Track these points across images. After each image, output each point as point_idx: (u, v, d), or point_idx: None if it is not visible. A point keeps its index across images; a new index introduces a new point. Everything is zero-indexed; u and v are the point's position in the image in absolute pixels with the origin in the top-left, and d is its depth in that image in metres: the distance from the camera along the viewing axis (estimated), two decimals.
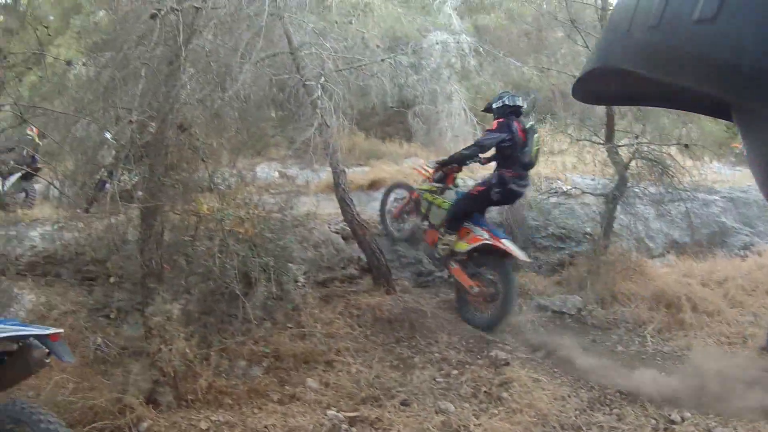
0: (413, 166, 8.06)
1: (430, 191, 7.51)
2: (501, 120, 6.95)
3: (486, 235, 6.85)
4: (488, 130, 7.09)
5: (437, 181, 7.53)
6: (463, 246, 7.00)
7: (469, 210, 7.09)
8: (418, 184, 7.96)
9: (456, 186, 7.65)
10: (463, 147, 7.56)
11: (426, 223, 7.54)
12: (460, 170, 7.67)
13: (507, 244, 6.77)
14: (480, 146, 7.04)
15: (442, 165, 7.49)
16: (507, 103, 7.05)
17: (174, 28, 4.83)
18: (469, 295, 7.00)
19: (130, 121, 4.36)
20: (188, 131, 4.91)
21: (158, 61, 4.90)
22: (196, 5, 4.88)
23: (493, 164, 7.20)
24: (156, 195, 5.02)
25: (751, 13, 0.44)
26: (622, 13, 0.58)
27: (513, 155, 6.88)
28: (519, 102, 7.11)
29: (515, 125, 6.92)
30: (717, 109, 0.63)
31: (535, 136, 7.02)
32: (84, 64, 7.27)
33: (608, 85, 0.67)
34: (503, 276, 6.79)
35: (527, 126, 7.08)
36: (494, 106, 7.16)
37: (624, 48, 0.58)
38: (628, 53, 0.57)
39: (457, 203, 7.14)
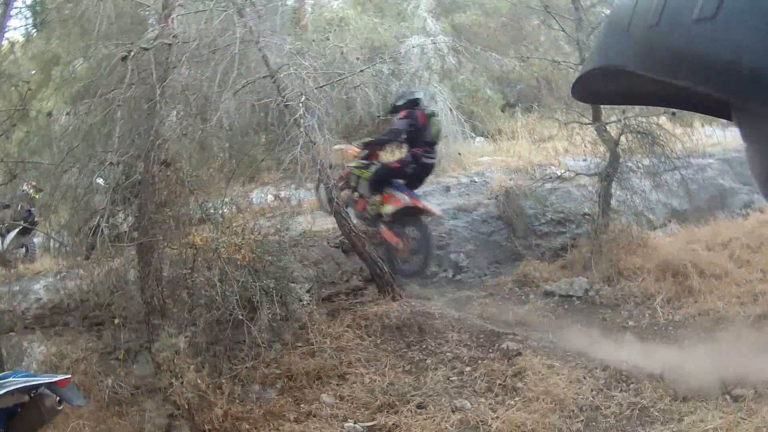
0: (343, 148, 8.39)
1: (358, 167, 8.40)
2: (405, 111, 8.16)
3: (407, 198, 7.84)
4: (398, 119, 8.23)
5: (363, 159, 8.38)
6: (389, 209, 7.91)
7: (388, 177, 8.14)
8: (348, 163, 8.67)
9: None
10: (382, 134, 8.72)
11: (356, 194, 8.39)
12: (382, 150, 8.86)
13: (424, 203, 7.98)
14: (394, 132, 8.24)
15: (366, 145, 8.42)
16: (408, 98, 8.32)
17: (147, 66, 4.87)
18: (396, 251, 7.97)
19: (111, 163, 4.40)
20: (173, 166, 4.94)
21: (135, 101, 4.94)
22: (166, 41, 4.92)
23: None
24: (149, 232, 5.04)
25: (750, 13, 0.44)
26: (622, 13, 0.59)
27: (419, 137, 8.08)
28: (417, 95, 8.50)
29: (417, 114, 8.13)
30: (716, 108, 0.65)
31: (434, 119, 8.34)
32: (67, 114, 7.32)
33: (608, 85, 0.69)
34: (423, 232, 7.90)
35: (427, 112, 8.30)
36: (398, 104, 8.39)
37: (623, 47, 0.59)
38: (628, 53, 0.58)
39: (378, 170, 8.22)
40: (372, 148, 8.42)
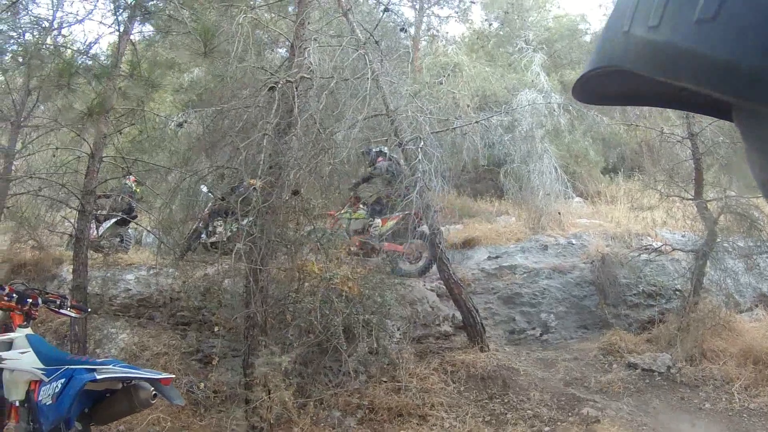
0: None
1: (346, 213, 9.20)
2: (382, 158, 9.11)
3: (398, 217, 8.64)
4: (380, 162, 9.09)
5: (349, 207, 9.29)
6: (389, 226, 8.78)
7: (381, 206, 9.06)
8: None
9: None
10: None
11: (351, 232, 9.10)
12: (359, 199, 9.56)
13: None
14: (378, 170, 9.07)
15: (357, 197, 9.43)
16: (379, 149, 9.13)
17: (285, 98, 5.07)
18: (403, 255, 8.61)
19: (255, 189, 4.59)
20: (300, 195, 5.13)
21: (272, 130, 5.15)
22: (305, 75, 5.13)
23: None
24: (263, 252, 5.22)
25: (752, 13, 0.45)
26: (622, 12, 0.59)
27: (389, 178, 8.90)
28: (384, 149, 9.15)
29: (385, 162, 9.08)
30: (718, 110, 0.64)
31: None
32: (185, 121, 7.59)
33: (609, 86, 0.67)
34: (423, 239, 8.27)
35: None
36: (375, 150, 9.21)
37: (624, 48, 0.58)
38: (629, 53, 0.58)
39: (375, 201, 9.24)
40: (354, 199, 9.41)
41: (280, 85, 4.97)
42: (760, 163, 0.54)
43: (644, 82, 0.59)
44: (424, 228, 8.25)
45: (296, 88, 5.46)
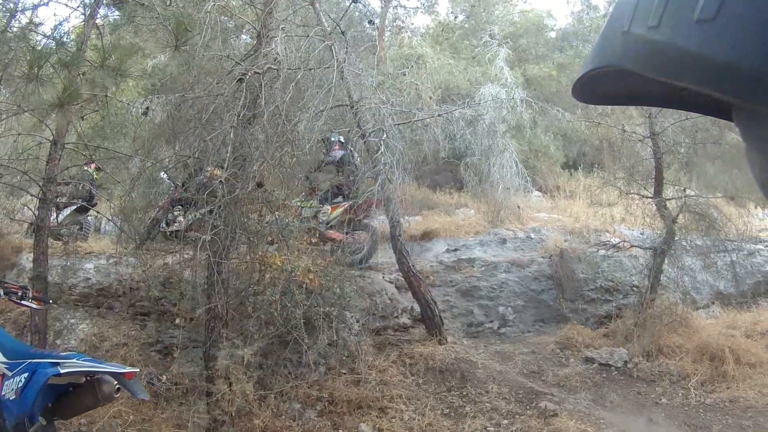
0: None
1: (301, 201, 9.06)
2: (339, 145, 9.13)
3: (346, 205, 8.63)
4: (335, 150, 9.13)
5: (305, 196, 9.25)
6: (336, 213, 8.76)
7: (333, 194, 9.15)
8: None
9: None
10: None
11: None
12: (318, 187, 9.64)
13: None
14: (331, 159, 9.15)
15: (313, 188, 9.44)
16: (334, 137, 9.14)
17: (251, 89, 5.04)
18: (344, 244, 8.43)
19: (221, 181, 4.56)
20: (264, 187, 5.10)
21: (239, 122, 5.11)
22: (272, 66, 5.10)
23: None
24: (225, 243, 5.19)
25: (752, 13, 0.45)
26: (622, 13, 0.59)
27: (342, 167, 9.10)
28: (341, 139, 9.19)
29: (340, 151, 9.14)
30: (717, 110, 0.65)
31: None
32: (146, 108, 7.48)
33: (608, 86, 0.68)
34: (367, 230, 8.63)
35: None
36: (332, 139, 9.19)
37: (624, 48, 0.59)
38: (628, 53, 0.58)
39: (327, 190, 9.27)
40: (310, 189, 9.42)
41: (248, 76, 4.93)
42: (760, 163, 0.55)
43: (644, 82, 0.59)
44: (369, 221, 8.52)
45: (263, 78, 5.41)
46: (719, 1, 0.47)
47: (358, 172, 8.31)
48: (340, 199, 9.15)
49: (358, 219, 8.54)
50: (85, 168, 9.18)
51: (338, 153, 9.12)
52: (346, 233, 8.58)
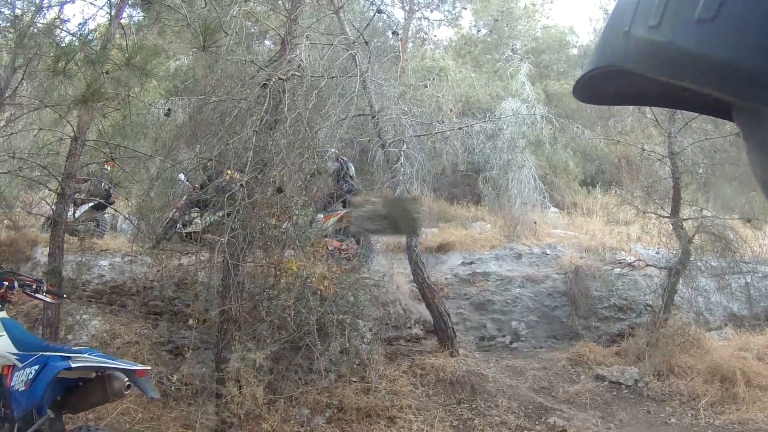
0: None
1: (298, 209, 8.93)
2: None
3: (341, 214, 8.43)
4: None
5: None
6: (331, 222, 8.39)
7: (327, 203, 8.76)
8: None
9: None
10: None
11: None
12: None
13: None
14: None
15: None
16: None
17: (275, 94, 5.06)
18: (339, 251, 8.33)
19: (241, 185, 4.58)
20: (283, 192, 5.13)
21: (260, 125, 5.14)
22: (296, 73, 5.13)
23: None
24: (243, 247, 5.21)
25: (752, 13, 0.45)
26: (623, 13, 0.59)
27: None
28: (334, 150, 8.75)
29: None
30: (718, 110, 0.65)
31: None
32: (172, 110, 7.51)
33: (609, 86, 0.68)
34: (361, 240, 8.44)
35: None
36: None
37: (625, 48, 0.59)
38: (629, 53, 0.58)
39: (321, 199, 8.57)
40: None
41: (272, 81, 4.96)
42: (761, 163, 0.55)
43: (645, 82, 0.59)
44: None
45: (286, 85, 5.45)
46: (719, 0, 0.48)
47: (353, 183, 8.38)
48: (336, 208, 9.08)
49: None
50: (105, 167, 9.24)
51: (332, 165, 8.91)
52: (340, 241, 8.58)
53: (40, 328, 6.43)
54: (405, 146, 6.46)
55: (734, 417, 6.96)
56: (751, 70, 0.45)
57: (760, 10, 0.45)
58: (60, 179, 6.73)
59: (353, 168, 9.21)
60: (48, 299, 4.96)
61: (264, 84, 5.00)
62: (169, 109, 6.99)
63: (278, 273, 5.61)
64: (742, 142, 0.58)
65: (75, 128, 6.67)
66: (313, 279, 5.39)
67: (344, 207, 8.75)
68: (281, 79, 5.00)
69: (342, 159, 8.99)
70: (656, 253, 9.29)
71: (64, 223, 6.76)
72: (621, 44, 0.60)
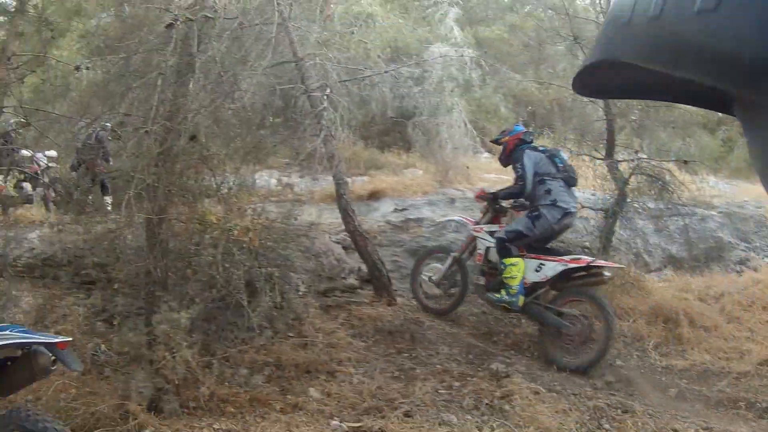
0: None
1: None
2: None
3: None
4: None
5: None
6: None
7: None
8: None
9: None
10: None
11: None
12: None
13: None
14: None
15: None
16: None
17: (186, 37, 4.83)
18: None
19: (146, 131, 4.35)
20: (198, 141, 4.92)
21: (169, 71, 4.90)
22: (208, 15, 4.89)
23: None
24: (161, 202, 5.00)
25: (753, 2, 0.45)
26: (623, 5, 0.58)
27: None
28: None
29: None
30: (718, 102, 0.64)
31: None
32: (87, 68, 7.25)
33: (609, 78, 0.67)
34: None
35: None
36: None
37: (624, 40, 0.58)
38: (629, 45, 0.57)
39: None
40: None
41: (179, 23, 4.71)
42: (762, 155, 0.54)
43: (646, 75, 0.57)
44: None
45: (198, 28, 5.19)
46: None
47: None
48: None
49: None
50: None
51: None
52: None
53: None
54: (329, 90, 6.29)
55: (680, 358, 7.10)
56: (752, 61, 0.44)
57: (761, 1, 0.45)
58: None
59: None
60: None
61: (169, 24, 4.74)
62: (78, 65, 6.66)
63: (202, 228, 5.42)
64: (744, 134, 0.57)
65: None
66: (236, 231, 5.22)
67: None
68: (190, 19, 4.74)
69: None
70: (592, 195, 9.36)
71: None
72: (621, 36, 0.58)
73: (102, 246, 6.64)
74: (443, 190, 10.07)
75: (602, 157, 8.59)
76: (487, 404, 5.63)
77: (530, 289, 6.63)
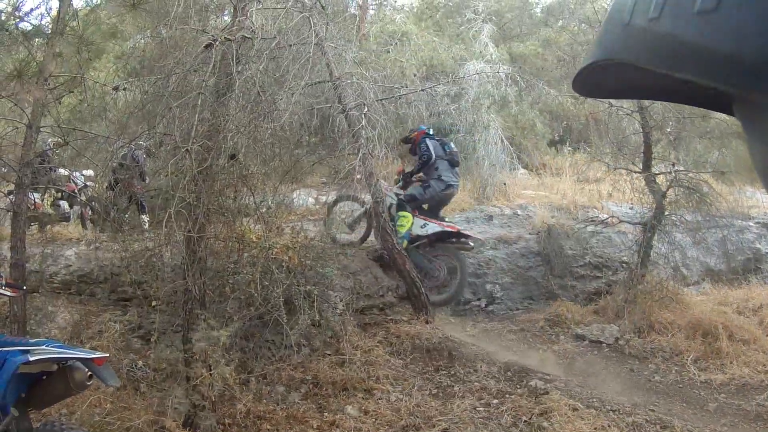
0: None
1: None
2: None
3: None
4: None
5: None
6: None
7: None
8: None
9: None
10: None
11: None
12: None
13: None
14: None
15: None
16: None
17: (224, 57, 4.86)
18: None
19: (186, 150, 4.37)
20: (238, 160, 4.94)
21: (208, 91, 4.94)
22: (246, 35, 4.92)
23: None
24: (201, 221, 5.02)
25: (753, 3, 0.44)
26: (623, 5, 0.59)
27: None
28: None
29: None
30: (718, 103, 0.64)
31: None
32: (125, 89, 7.35)
33: (609, 79, 0.67)
34: None
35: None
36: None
37: (624, 40, 0.58)
38: (629, 45, 0.58)
39: None
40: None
41: (218, 43, 4.74)
42: (762, 155, 0.54)
43: (645, 75, 0.57)
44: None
45: (236, 48, 5.23)
46: None
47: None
48: None
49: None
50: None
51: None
52: None
53: (10, 325, 6.25)
54: (366, 109, 6.30)
55: (720, 373, 6.92)
56: (752, 62, 0.44)
57: (761, 1, 0.45)
58: (17, 169, 6.50)
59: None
60: (8, 293, 4.76)
61: (208, 44, 4.78)
62: (117, 85, 6.75)
63: (241, 246, 5.43)
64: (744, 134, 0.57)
65: (29, 115, 6.45)
66: (275, 249, 5.22)
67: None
68: (228, 39, 4.78)
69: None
70: (630, 208, 9.24)
71: (24, 215, 6.55)
72: (621, 37, 0.59)
73: (139, 264, 6.72)
74: (481, 207, 10.03)
75: (639, 170, 8.47)
76: (525, 421, 5.57)
77: (414, 239, 8.12)
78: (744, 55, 0.45)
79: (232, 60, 4.81)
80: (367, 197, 8.18)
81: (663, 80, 0.56)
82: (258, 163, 5.52)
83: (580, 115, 11.88)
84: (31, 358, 3.59)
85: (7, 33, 5.98)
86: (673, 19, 0.51)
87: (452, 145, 8.74)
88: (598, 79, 0.67)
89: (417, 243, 8.16)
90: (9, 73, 5.61)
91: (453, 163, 8.43)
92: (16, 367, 3.56)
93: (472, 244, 8.43)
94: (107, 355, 4.15)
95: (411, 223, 8.18)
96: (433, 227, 8.14)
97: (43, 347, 3.74)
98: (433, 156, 8.22)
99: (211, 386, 5.08)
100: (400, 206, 8.32)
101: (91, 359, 3.81)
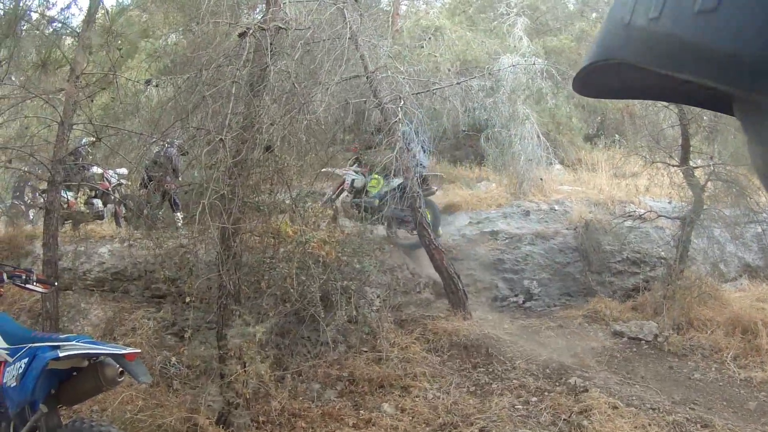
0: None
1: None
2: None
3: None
4: None
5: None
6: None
7: None
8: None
9: None
10: None
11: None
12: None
13: None
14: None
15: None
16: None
17: (257, 48, 4.81)
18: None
19: (221, 140, 4.32)
20: (273, 152, 4.88)
21: (242, 81, 4.89)
22: (280, 25, 4.87)
23: None
24: (235, 215, 4.97)
25: (753, 3, 0.44)
26: (623, 5, 0.58)
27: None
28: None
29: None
30: (718, 103, 0.63)
31: None
32: (156, 86, 7.37)
33: (610, 79, 0.65)
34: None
35: None
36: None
37: (624, 40, 0.57)
38: (629, 45, 0.57)
39: None
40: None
41: (251, 32, 4.69)
42: (762, 155, 0.53)
43: (646, 75, 0.57)
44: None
45: (270, 38, 5.17)
46: None
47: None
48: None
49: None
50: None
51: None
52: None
53: (42, 321, 6.28)
54: (402, 102, 6.23)
55: (760, 370, 6.75)
56: (752, 62, 0.43)
57: (761, 1, 0.43)
58: (49, 166, 6.54)
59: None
60: (39, 289, 4.74)
61: (242, 33, 4.73)
62: (149, 80, 6.75)
63: (276, 241, 5.38)
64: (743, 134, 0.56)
65: (61, 113, 6.48)
66: (312, 244, 5.16)
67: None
68: (262, 28, 4.72)
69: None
70: (668, 203, 9.07)
71: (56, 212, 6.57)
72: (621, 37, 0.58)
73: (173, 261, 6.72)
74: (517, 203, 9.95)
75: (677, 163, 8.29)
76: (564, 420, 5.47)
77: (383, 195, 8.27)
78: (744, 55, 0.44)
79: (266, 51, 4.76)
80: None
81: (663, 80, 0.56)
82: (293, 156, 5.46)
83: (614, 109, 11.69)
84: (60, 354, 3.52)
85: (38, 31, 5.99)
86: (674, 18, 0.50)
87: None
88: (599, 79, 0.66)
89: (386, 198, 8.31)
90: (34, 64, 5.61)
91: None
92: (45, 363, 3.51)
93: (435, 188, 8.89)
94: (139, 350, 4.08)
95: (381, 184, 8.52)
96: (397, 180, 8.18)
97: (73, 343, 3.68)
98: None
99: (246, 383, 5.03)
100: (369, 173, 8.82)
101: (123, 355, 3.71)
